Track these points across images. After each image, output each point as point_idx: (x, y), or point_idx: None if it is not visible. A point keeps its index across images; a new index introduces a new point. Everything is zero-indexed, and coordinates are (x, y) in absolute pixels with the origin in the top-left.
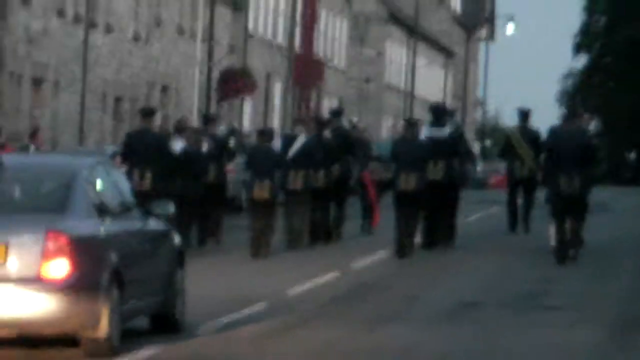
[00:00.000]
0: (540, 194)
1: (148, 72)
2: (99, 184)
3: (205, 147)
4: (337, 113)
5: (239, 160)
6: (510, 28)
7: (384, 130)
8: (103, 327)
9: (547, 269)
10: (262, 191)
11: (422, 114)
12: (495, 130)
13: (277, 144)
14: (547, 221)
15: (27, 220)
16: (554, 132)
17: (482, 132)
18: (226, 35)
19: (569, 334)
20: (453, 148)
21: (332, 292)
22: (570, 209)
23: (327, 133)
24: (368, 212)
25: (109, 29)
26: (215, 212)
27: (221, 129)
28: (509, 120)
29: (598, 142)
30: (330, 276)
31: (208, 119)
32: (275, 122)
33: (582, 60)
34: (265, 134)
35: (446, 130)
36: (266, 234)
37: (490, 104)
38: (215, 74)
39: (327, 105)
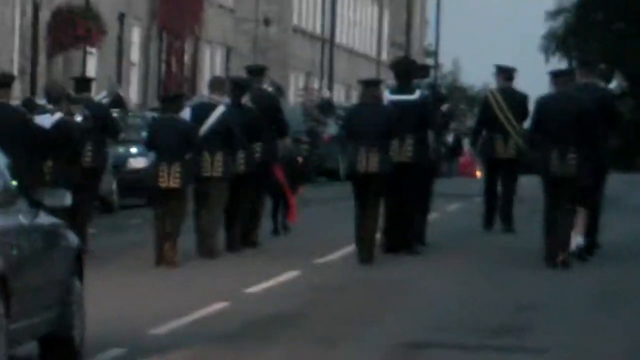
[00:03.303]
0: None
1: None
2: None
3: (80, 119)
4: (258, 71)
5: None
6: None
7: (292, 94)
8: None
9: (534, 286)
10: (170, 178)
11: (347, 71)
12: (454, 90)
13: (186, 113)
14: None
15: None
16: (544, 97)
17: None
18: None
19: None
20: (425, 117)
21: (214, 331)
22: (563, 197)
23: (246, 100)
24: (280, 207)
25: None
26: (85, 206)
27: (102, 94)
28: (471, 77)
29: (620, 105)
30: (219, 306)
31: (84, 82)
32: (134, 83)
33: None
34: (172, 101)
35: (415, 94)
36: (174, 235)
37: (445, 56)
38: (45, 16)
39: (209, 58)
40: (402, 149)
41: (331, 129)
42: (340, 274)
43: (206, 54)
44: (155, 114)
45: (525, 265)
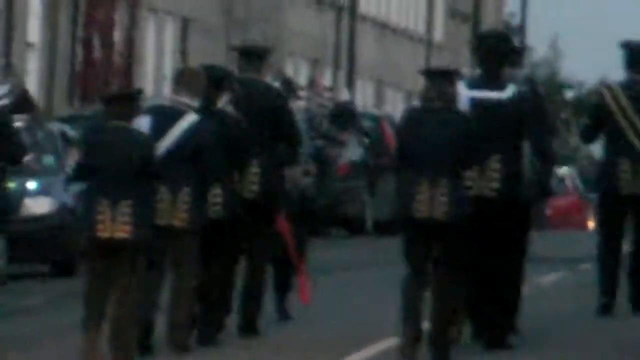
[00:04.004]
0: None
1: None
2: None
3: None
4: (256, 55)
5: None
6: None
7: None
8: None
9: None
10: (116, 225)
11: (377, 57)
12: (551, 87)
13: (144, 123)
14: None
15: None
16: None
17: None
18: None
19: None
20: (522, 127)
21: None
22: None
23: (225, 104)
24: (285, 278)
25: None
26: None
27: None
28: (579, 68)
29: None
30: None
31: None
32: (32, 75)
33: None
34: (123, 102)
35: (508, 91)
36: (124, 316)
37: (537, 34)
38: None
39: (153, 36)
40: (484, 175)
41: (352, 151)
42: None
43: (149, 30)
44: (85, 122)
45: None
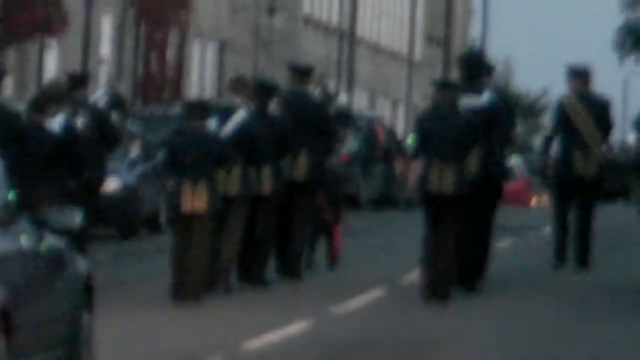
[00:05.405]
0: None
1: None
2: None
3: (81, 124)
4: (303, 73)
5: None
6: None
7: None
8: None
9: (618, 346)
10: (195, 201)
11: (370, 72)
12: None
13: (213, 122)
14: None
15: None
16: None
17: None
18: None
19: None
20: (494, 125)
21: None
22: None
23: (273, 107)
24: (319, 236)
25: None
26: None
27: (99, 93)
28: (526, 81)
29: None
30: None
31: (81, 79)
32: (103, 82)
33: None
34: (199, 108)
35: (484, 97)
36: (198, 268)
37: (494, 55)
38: None
39: (198, 54)
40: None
41: (350, 144)
42: (362, 327)
43: (195, 49)
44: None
45: (607, 316)
